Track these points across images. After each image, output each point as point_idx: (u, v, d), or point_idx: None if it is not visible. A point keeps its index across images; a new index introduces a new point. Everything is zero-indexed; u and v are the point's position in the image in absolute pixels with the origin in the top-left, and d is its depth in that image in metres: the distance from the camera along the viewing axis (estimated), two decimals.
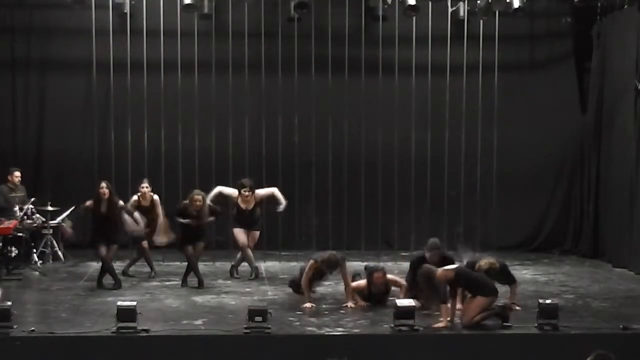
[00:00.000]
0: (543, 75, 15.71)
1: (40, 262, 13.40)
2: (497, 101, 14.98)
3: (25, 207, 13.26)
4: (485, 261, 10.23)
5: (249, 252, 12.81)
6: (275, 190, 12.97)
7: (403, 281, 11.00)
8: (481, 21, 14.75)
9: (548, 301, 9.75)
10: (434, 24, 14.73)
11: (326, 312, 10.57)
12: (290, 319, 10.16)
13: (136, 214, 12.21)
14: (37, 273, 12.79)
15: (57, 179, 15.03)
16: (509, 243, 15.32)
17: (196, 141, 14.65)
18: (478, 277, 10.03)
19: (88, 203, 11.93)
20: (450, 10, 14.88)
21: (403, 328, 9.40)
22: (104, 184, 11.88)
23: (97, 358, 9.11)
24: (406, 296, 10.50)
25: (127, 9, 14.67)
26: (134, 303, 9.39)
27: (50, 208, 13.59)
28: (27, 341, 9.05)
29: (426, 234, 14.64)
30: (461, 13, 14.99)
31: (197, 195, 12.11)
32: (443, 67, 14.76)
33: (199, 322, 9.92)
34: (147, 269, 12.90)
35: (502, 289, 10.39)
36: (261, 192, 12.93)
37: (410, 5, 14.11)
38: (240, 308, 10.37)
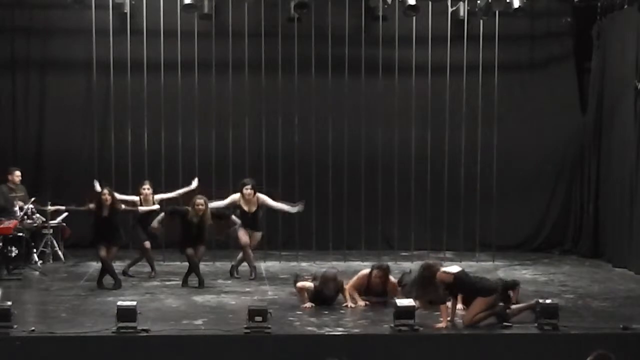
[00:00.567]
0: (543, 75, 15.72)
1: (41, 262, 13.40)
2: (497, 101, 14.97)
3: (26, 207, 13.26)
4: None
5: (250, 252, 12.81)
6: (279, 205, 12.95)
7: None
8: (481, 21, 14.74)
9: (548, 301, 9.75)
10: (434, 24, 14.73)
11: (326, 312, 10.56)
12: (290, 319, 10.16)
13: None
14: (37, 273, 12.79)
15: (57, 179, 15.04)
16: (509, 243, 15.33)
17: (196, 141, 14.65)
18: (475, 281, 10.07)
19: (91, 206, 11.92)
20: (450, 10, 14.87)
21: (403, 328, 9.40)
22: (105, 191, 11.91)
23: (97, 358, 9.11)
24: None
25: (127, 9, 14.68)
26: (134, 303, 9.39)
27: (50, 208, 13.58)
28: (27, 341, 9.05)
29: (426, 234, 14.77)
30: (461, 13, 14.99)
31: (199, 200, 12.10)
32: (443, 67, 14.75)
33: (199, 322, 9.92)
34: (147, 269, 12.90)
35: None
36: (266, 200, 12.88)
37: (410, 5, 14.11)
38: (240, 308, 10.37)
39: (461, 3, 14.96)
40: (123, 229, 12.26)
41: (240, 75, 14.57)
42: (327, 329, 9.69)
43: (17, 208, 13.24)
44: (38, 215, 13.46)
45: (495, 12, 14.49)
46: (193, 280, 12.21)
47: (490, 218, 14.86)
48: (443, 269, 10.12)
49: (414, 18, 14.50)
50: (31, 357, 9.03)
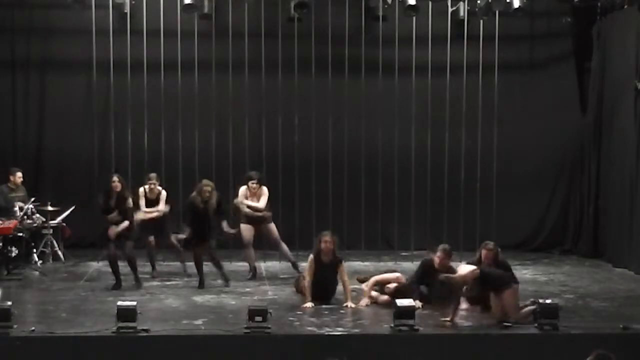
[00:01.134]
0: (543, 75, 15.72)
1: (41, 262, 13.40)
2: (497, 101, 14.98)
3: (26, 207, 13.26)
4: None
5: (251, 251, 12.81)
6: (255, 206, 12.81)
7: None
8: (481, 21, 14.74)
9: (548, 301, 9.75)
10: (434, 24, 14.73)
11: (326, 312, 10.57)
12: (290, 319, 10.16)
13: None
14: (37, 273, 12.80)
15: (57, 179, 15.05)
16: (509, 243, 15.28)
17: (196, 141, 14.65)
18: (499, 271, 10.10)
19: (101, 201, 11.88)
20: (450, 10, 14.88)
21: (403, 328, 9.40)
22: (115, 178, 11.82)
23: (97, 358, 9.11)
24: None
25: (127, 9, 14.68)
26: (134, 303, 9.39)
27: (50, 208, 13.59)
28: (27, 341, 9.05)
29: (426, 234, 14.76)
30: (461, 13, 14.99)
31: (206, 185, 12.00)
32: (443, 67, 14.76)
33: (199, 322, 9.92)
34: (147, 269, 12.85)
35: None
36: (263, 195, 12.86)
37: (410, 5, 14.12)
38: (240, 308, 10.36)
39: (461, 3, 14.96)
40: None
41: (240, 75, 14.57)
42: (327, 329, 9.69)
43: (17, 208, 13.23)
44: (38, 215, 13.46)
45: (495, 12, 14.49)
46: (193, 280, 12.21)
47: (490, 218, 14.86)
48: (460, 271, 10.09)
49: (414, 18, 14.50)
50: (31, 357, 9.03)
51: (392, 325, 9.49)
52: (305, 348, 9.20)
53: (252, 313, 9.30)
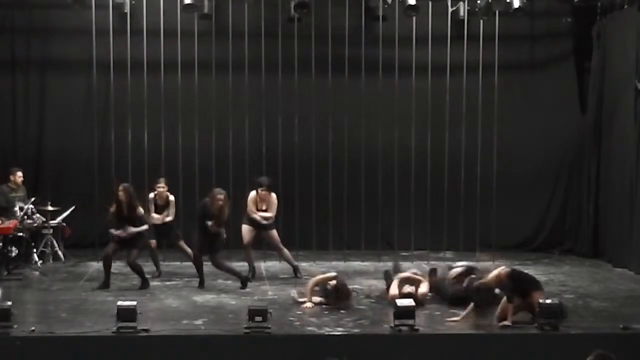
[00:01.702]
0: (543, 75, 15.71)
1: (41, 262, 13.39)
2: (497, 101, 14.97)
3: (26, 207, 13.26)
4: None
5: (251, 252, 12.81)
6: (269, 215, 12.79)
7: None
8: (481, 21, 14.74)
9: (548, 301, 9.74)
10: (434, 24, 14.72)
11: (326, 312, 10.57)
12: (290, 319, 10.16)
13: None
14: (37, 273, 12.79)
15: (57, 179, 15.04)
16: (509, 243, 15.32)
17: (196, 141, 14.65)
18: (526, 274, 10.23)
19: (112, 210, 11.86)
20: (450, 10, 14.87)
21: (403, 328, 9.40)
22: (120, 189, 11.80)
23: (97, 358, 9.11)
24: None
25: (127, 9, 14.67)
26: (134, 303, 9.39)
27: (50, 208, 13.59)
28: (27, 341, 9.05)
29: (426, 234, 14.77)
30: (461, 13, 14.99)
31: (219, 194, 11.91)
32: (443, 67, 14.75)
33: (199, 322, 9.93)
34: (152, 268, 12.82)
35: None
36: (272, 202, 12.83)
37: (410, 5, 14.11)
38: (241, 308, 10.37)
39: (461, 3, 14.96)
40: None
41: (240, 75, 14.57)
42: (327, 329, 9.69)
43: (17, 208, 13.23)
44: (38, 215, 13.45)
45: (495, 12, 14.49)
46: (193, 280, 12.22)
47: (490, 218, 14.86)
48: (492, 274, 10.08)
49: (414, 18, 14.49)
50: (31, 357, 9.03)
51: (392, 325, 9.49)
52: (305, 348, 9.20)
53: (252, 313, 9.30)
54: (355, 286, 11.74)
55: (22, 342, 9.03)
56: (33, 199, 13.48)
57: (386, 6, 14.69)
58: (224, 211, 11.88)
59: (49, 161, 15.26)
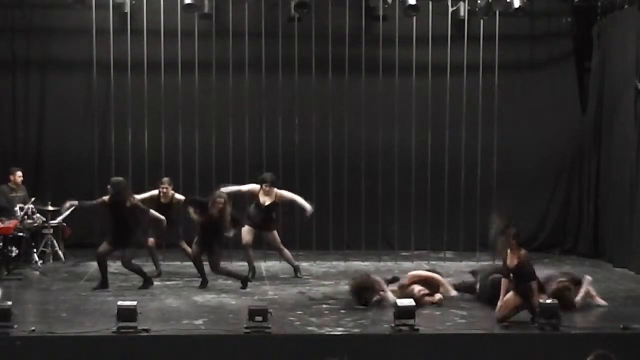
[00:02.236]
0: (543, 75, 15.71)
1: (41, 261, 13.40)
2: (497, 101, 14.98)
3: (26, 206, 13.26)
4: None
5: (250, 252, 12.80)
6: (297, 198, 12.84)
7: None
8: (481, 21, 14.74)
9: (548, 301, 9.75)
10: (434, 24, 14.73)
11: (326, 312, 10.57)
12: (291, 318, 10.16)
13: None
14: (37, 273, 12.80)
15: (57, 179, 15.04)
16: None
17: (196, 141, 14.65)
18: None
19: (105, 198, 11.84)
20: (450, 10, 14.88)
21: (403, 328, 9.40)
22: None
23: (98, 358, 9.11)
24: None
25: (128, 9, 14.68)
26: (135, 303, 9.39)
27: (50, 208, 13.59)
28: (27, 341, 9.05)
29: (426, 234, 14.77)
30: (461, 13, 14.99)
31: (219, 197, 11.89)
32: (443, 67, 14.76)
33: (199, 321, 9.93)
34: (152, 268, 12.82)
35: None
36: (284, 193, 12.84)
37: (410, 5, 14.11)
38: (241, 308, 10.36)
39: (461, 3, 14.96)
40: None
41: (240, 75, 14.57)
42: (327, 329, 9.69)
43: (17, 208, 13.24)
44: (38, 215, 13.46)
45: (495, 12, 14.49)
46: (193, 280, 12.22)
47: (490, 218, 14.83)
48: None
49: (414, 18, 14.50)
50: (31, 357, 9.03)
51: (392, 325, 9.50)
52: (305, 348, 9.20)
53: (252, 313, 9.30)
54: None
55: (22, 342, 9.03)
56: (33, 199, 13.48)
57: (386, 6, 14.70)
58: (224, 215, 11.87)
59: (49, 161, 15.26)
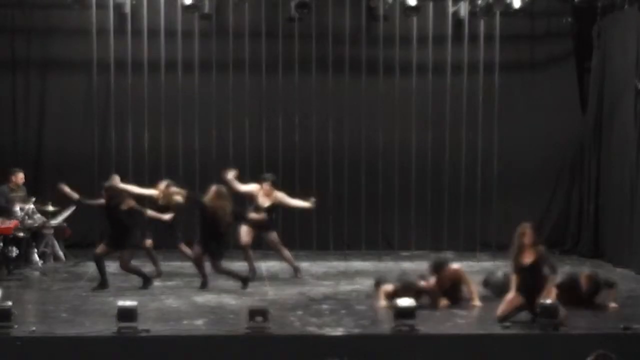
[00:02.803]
0: (543, 75, 15.71)
1: (41, 262, 13.41)
2: (497, 101, 14.98)
3: (26, 207, 13.26)
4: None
5: (249, 252, 12.80)
6: (296, 203, 12.84)
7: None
8: (482, 21, 14.75)
9: (548, 301, 9.74)
10: (435, 24, 14.74)
11: (326, 312, 10.57)
12: (291, 319, 10.16)
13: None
14: (37, 273, 12.81)
15: (57, 179, 14.98)
16: (509, 243, 15.20)
17: (196, 141, 14.66)
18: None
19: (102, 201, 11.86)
20: (450, 10, 14.88)
21: (403, 328, 9.40)
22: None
23: (98, 358, 9.10)
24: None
25: (128, 9, 14.68)
26: (135, 303, 9.38)
27: (50, 208, 13.59)
28: (27, 341, 9.04)
29: (426, 234, 14.77)
30: (462, 13, 15.00)
31: (219, 191, 11.90)
32: (443, 67, 14.77)
33: (200, 322, 9.93)
34: (152, 268, 12.81)
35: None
36: (284, 197, 12.78)
37: (410, 5, 14.12)
38: (241, 308, 10.37)
39: (462, 3, 14.96)
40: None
41: (240, 75, 14.59)
42: (327, 329, 9.69)
43: (17, 208, 13.24)
44: (38, 215, 13.46)
45: (495, 13, 14.49)
46: (194, 280, 12.22)
47: (490, 218, 14.86)
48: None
49: (415, 18, 14.51)
50: (31, 357, 9.03)
51: (392, 325, 9.49)
52: (305, 348, 9.20)
53: (253, 313, 9.30)
54: (356, 286, 11.73)
55: (22, 342, 9.02)
56: (34, 199, 13.48)
57: (386, 6, 14.70)
58: (225, 209, 11.81)
59: (49, 161, 15.25)
